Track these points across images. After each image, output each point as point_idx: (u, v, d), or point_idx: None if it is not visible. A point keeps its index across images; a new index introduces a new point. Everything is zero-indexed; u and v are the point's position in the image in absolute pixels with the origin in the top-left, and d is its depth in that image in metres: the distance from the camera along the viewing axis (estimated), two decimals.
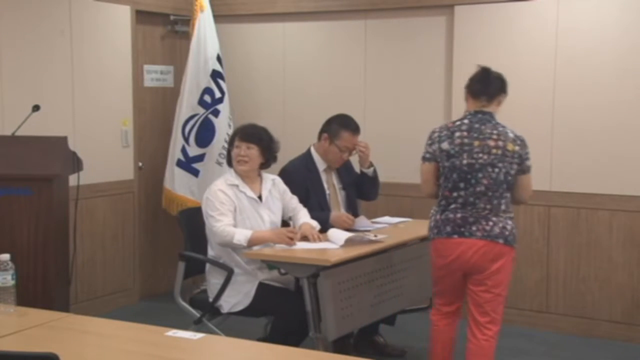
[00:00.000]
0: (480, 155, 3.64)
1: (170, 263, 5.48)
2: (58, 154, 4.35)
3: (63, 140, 4.43)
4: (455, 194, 3.69)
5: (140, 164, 5.97)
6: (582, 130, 5.10)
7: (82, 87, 5.42)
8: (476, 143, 3.66)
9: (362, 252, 3.95)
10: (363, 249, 3.98)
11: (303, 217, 4.25)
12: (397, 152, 5.68)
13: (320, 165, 4.64)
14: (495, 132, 3.67)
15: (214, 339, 2.93)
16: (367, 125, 5.51)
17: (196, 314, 4.07)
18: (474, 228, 3.65)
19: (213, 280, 4.09)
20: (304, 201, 4.44)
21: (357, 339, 4.69)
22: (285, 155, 4.91)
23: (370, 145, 4.68)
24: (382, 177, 4.86)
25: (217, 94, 5.79)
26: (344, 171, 4.77)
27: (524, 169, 3.70)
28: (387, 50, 5.73)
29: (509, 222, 3.68)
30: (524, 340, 5.07)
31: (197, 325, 3.99)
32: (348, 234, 4.05)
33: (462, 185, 3.67)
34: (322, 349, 3.71)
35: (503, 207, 3.67)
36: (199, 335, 2.64)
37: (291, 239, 3.93)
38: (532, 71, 5.22)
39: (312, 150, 4.68)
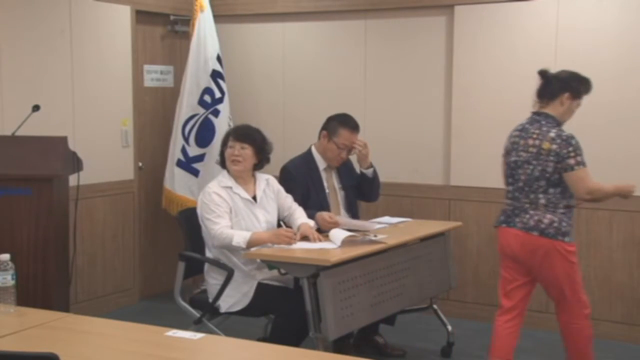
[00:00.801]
0: (522, 153, 3.90)
1: (170, 263, 5.48)
2: (58, 154, 4.35)
3: (63, 140, 4.43)
4: (509, 188, 4.02)
5: (140, 164, 5.97)
6: (582, 130, 5.06)
7: (82, 87, 5.42)
8: (521, 142, 3.92)
9: (362, 252, 3.95)
10: (363, 249, 3.98)
11: (300, 216, 4.24)
12: (397, 152, 5.68)
13: (321, 164, 4.65)
14: (537, 131, 3.87)
15: (214, 339, 2.93)
16: (367, 125, 5.51)
17: (196, 314, 4.07)
18: (516, 219, 3.92)
19: (212, 280, 4.09)
20: (305, 199, 4.44)
21: (357, 339, 4.69)
22: (285, 154, 4.93)
23: (370, 145, 4.68)
24: (382, 177, 4.86)
25: (217, 94, 5.79)
26: (345, 172, 4.77)
27: (564, 167, 3.78)
28: (387, 50, 5.73)
29: (548, 215, 3.82)
30: (524, 340, 5.05)
31: (197, 325, 3.99)
32: (347, 234, 4.05)
33: (510, 180, 4.00)
34: (322, 349, 3.71)
35: (543, 201, 3.84)
36: (199, 335, 2.64)
37: (290, 238, 3.93)
38: (532, 71, 5.18)
39: (313, 149, 4.68)
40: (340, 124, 4.60)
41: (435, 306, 4.85)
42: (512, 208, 3.95)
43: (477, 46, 5.38)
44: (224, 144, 4.16)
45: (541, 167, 3.81)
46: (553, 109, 3.91)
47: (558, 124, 3.88)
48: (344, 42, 5.89)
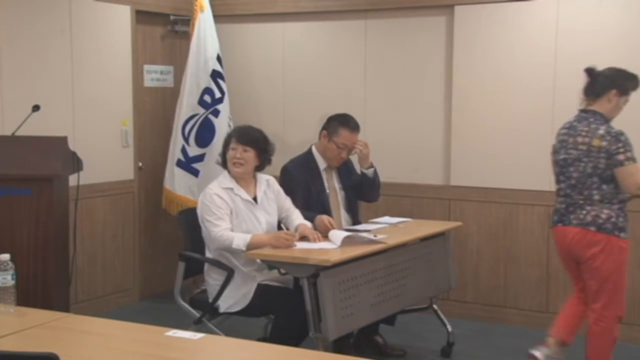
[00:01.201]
0: (571, 151, 3.92)
1: (170, 263, 5.48)
2: (58, 154, 4.35)
3: (63, 140, 4.42)
4: (559, 186, 4.06)
5: (140, 164, 5.97)
6: None
7: (82, 87, 5.42)
8: (570, 140, 3.94)
9: (362, 252, 3.96)
10: (363, 249, 3.98)
11: (297, 217, 4.25)
12: (397, 152, 5.68)
13: (321, 164, 4.65)
14: (585, 129, 3.89)
15: (214, 339, 2.93)
16: (367, 125, 5.51)
17: (196, 314, 4.07)
18: (571, 217, 3.95)
19: (211, 281, 4.09)
20: (306, 199, 4.45)
21: (357, 339, 4.69)
22: (285, 154, 4.92)
23: (370, 145, 4.68)
24: (382, 177, 4.86)
25: (217, 94, 5.78)
26: (345, 172, 4.77)
27: (614, 163, 3.81)
28: (387, 50, 5.72)
29: (605, 211, 3.85)
30: (524, 340, 5.07)
31: (197, 325, 3.99)
32: (347, 234, 4.05)
33: (561, 178, 4.03)
34: (322, 349, 3.71)
35: (597, 197, 3.87)
36: (199, 335, 2.64)
37: (290, 241, 3.92)
38: (532, 71, 5.22)
39: (313, 149, 4.69)
40: (340, 123, 4.60)
41: (435, 306, 4.85)
42: (565, 205, 3.98)
43: (477, 46, 5.38)
44: (226, 145, 4.14)
45: (592, 164, 3.84)
46: (600, 106, 3.93)
47: (606, 120, 3.91)
48: (344, 42, 5.89)
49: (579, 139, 3.90)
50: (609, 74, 3.96)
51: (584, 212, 3.89)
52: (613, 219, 3.85)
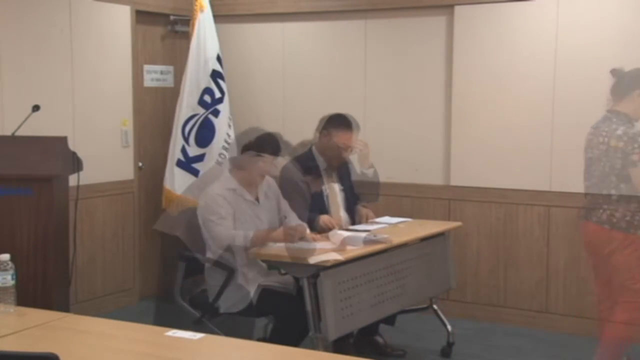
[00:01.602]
0: (594, 150, 4.02)
1: (170, 263, 5.48)
2: (58, 154, 4.35)
3: (63, 140, 4.42)
4: (585, 184, 4.16)
5: (140, 164, 5.97)
6: (582, 130, 5.05)
7: (82, 87, 5.42)
8: (594, 140, 4.07)
9: (362, 252, 3.96)
10: (363, 249, 3.98)
11: (293, 220, 4.28)
12: (397, 151, 5.68)
13: (321, 164, 4.65)
14: (606, 129, 3.97)
15: (214, 339, 2.92)
16: (367, 126, 5.51)
17: (196, 314, 4.07)
18: (592, 214, 4.07)
19: (212, 282, 4.09)
20: (306, 199, 4.46)
21: (357, 339, 4.69)
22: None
23: (370, 145, 4.69)
24: (382, 177, 4.87)
25: (217, 94, 5.79)
26: (345, 173, 4.77)
27: (630, 163, 3.88)
28: (387, 50, 5.72)
29: (621, 209, 3.93)
30: (524, 340, 5.07)
31: (197, 325, 3.99)
32: (347, 234, 4.05)
33: (587, 176, 4.15)
34: (322, 349, 3.71)
35: (615, 196, 3.93)
36: (199, 335, 2.63)
37: (293, 236, 3.93)
38: (532, 71, 5.22)
39: (314, 149, 4.69)
40: (340, 123, 4.61)
41: (435, 306, 4.85)
42: (589, 203, 4.07)
43: (477, 46, 5.38)
44: (259, 151, 4.08)
45: (610, 164, 3.92)
46: (625, 107, 3.99)
47: (629, 121, 3.96)
48: (344, 42, 5.89)
49: (600, 139, 3.98)
50: (634, 74, 4.02)
51: (601, 210, 3.98)
52: (628, 218, 3.91)
